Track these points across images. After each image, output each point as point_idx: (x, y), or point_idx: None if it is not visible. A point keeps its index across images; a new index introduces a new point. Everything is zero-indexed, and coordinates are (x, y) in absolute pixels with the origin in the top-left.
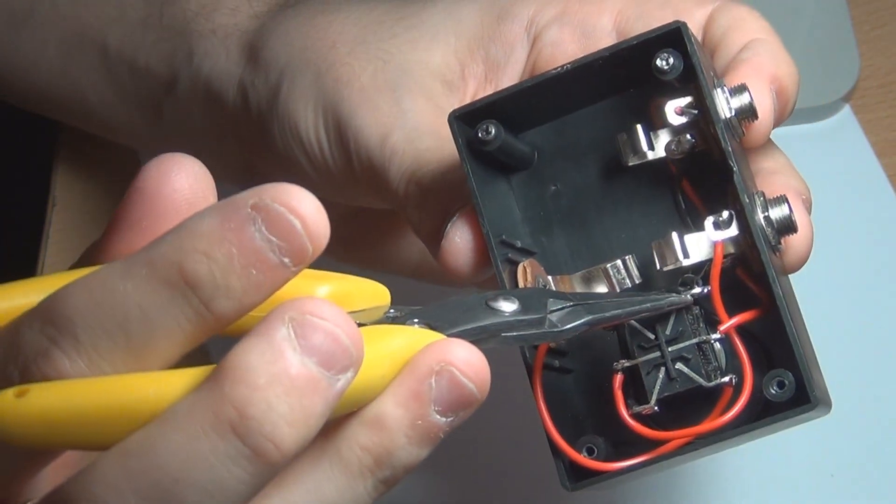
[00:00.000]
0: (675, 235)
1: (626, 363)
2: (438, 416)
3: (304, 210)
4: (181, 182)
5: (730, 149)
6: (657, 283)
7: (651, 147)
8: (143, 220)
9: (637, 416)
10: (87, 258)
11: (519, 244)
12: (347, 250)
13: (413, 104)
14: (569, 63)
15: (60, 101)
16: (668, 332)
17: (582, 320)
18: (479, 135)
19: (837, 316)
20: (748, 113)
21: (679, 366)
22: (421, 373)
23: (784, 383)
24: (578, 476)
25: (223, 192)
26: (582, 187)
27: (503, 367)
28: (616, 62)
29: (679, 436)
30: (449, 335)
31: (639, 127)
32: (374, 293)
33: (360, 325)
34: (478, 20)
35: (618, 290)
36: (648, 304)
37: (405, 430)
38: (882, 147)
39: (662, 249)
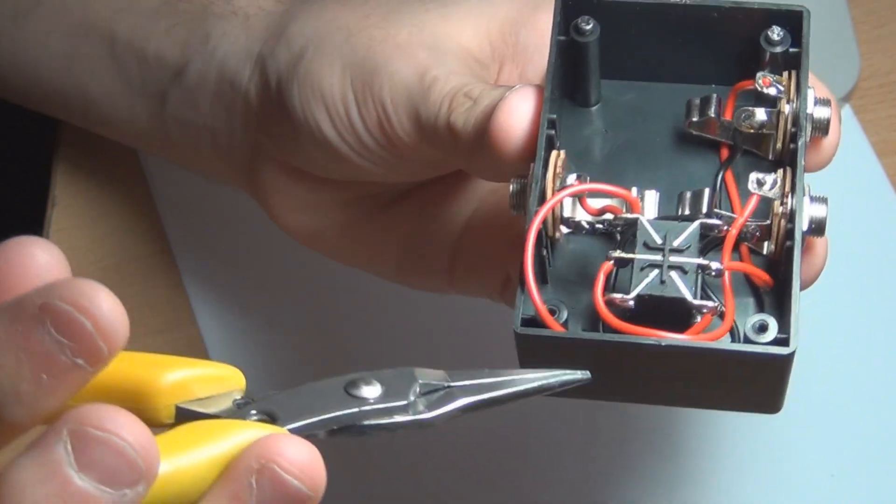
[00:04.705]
0: (707, 191)
1: (623, 254)
2: None
3: (95, 309)
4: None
5: (804, 118)
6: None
7: (718, 115)
8: None
9: (609, 304)
10: None
11: (559, 137)
12: (331, 243)
13: (453, 59)
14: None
15: (61, 95)
16: (677, 242)
17: (455, 405)
18: (579, 22)
19: (837, 316)
20: (822, 126)
21: (673, 273)
22: (240, 472)
23: (766, 327)
24: (530, 324)
25: (225, 194)
26: (632, 141)
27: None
28: (727, 26)
29: (640, 332)
30: (290, 429)
31: (715, 95)
32: (227, 378)
33: (205, 414)
34: (515, 5)
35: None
36: (536, 384)
37: None
38: (882, 147)
39: (690, 200)
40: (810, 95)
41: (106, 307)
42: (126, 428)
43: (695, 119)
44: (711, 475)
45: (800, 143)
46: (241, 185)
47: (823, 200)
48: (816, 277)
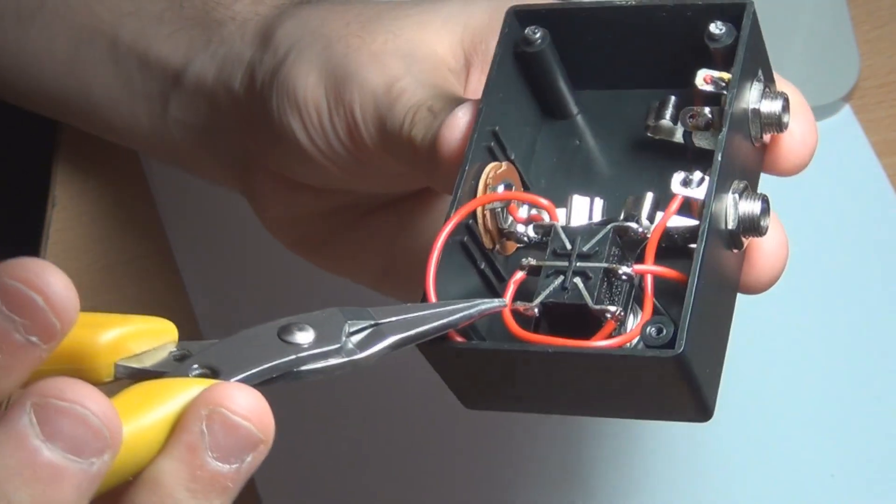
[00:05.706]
0: (650, 195)
1: (532, 261)
2: (220, 464)
3: (46, 285)
4: None
5: (730, 114)
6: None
7: (674, 121)
8: None
9: (515, 313)
10: None
11: (508, 149)
12: (315, 250)
13: (425, 67)
14: (633, 0)
15: (63, 98)
16: (586, 247)
17: (385, 343)
18: (526, 32)
19: (837, 316)
20: (774, 121)
21: (577, 280)
22: (190, 422)
23: (662, 330)
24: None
25: (225, 194)
26: (602, 150)
27: None
28: (673, 28)
29: (540, 340)
30: (235, 381)
31: (672, 97)
32: (160, 331)
33: (146, 370)
34: (487, 15)
35: (571, 223)
36: (459, 316)
37: (185, 484)
38: (882, 147)
39: (632, 204)
40: (755, 89)
41: (55, 283)
42: (88, 398)
43: (650, 123)
44: (712, 475)
45: (720, 136)
46: (237, 189)
47: (759, 197)
48: (769, 281)
